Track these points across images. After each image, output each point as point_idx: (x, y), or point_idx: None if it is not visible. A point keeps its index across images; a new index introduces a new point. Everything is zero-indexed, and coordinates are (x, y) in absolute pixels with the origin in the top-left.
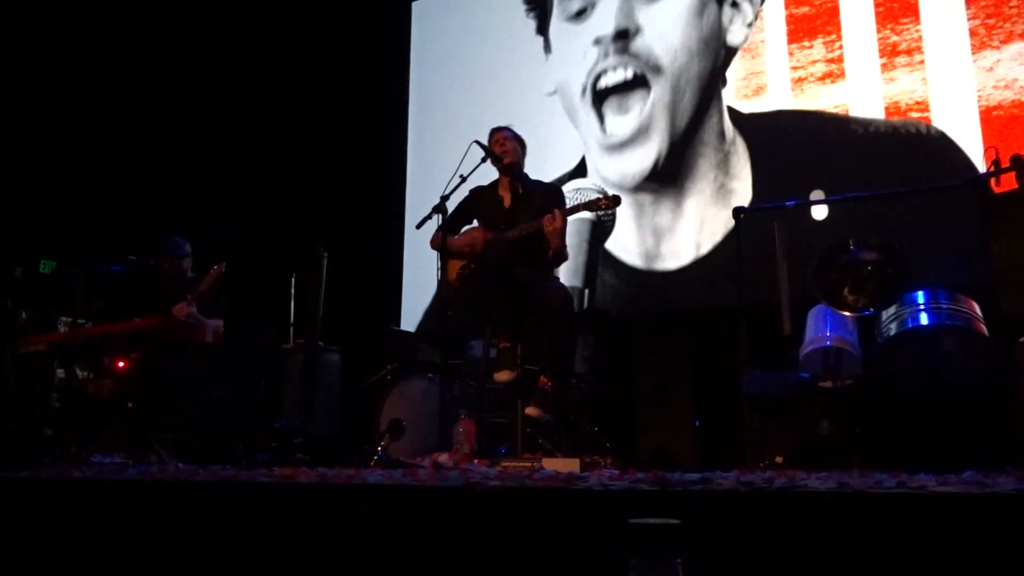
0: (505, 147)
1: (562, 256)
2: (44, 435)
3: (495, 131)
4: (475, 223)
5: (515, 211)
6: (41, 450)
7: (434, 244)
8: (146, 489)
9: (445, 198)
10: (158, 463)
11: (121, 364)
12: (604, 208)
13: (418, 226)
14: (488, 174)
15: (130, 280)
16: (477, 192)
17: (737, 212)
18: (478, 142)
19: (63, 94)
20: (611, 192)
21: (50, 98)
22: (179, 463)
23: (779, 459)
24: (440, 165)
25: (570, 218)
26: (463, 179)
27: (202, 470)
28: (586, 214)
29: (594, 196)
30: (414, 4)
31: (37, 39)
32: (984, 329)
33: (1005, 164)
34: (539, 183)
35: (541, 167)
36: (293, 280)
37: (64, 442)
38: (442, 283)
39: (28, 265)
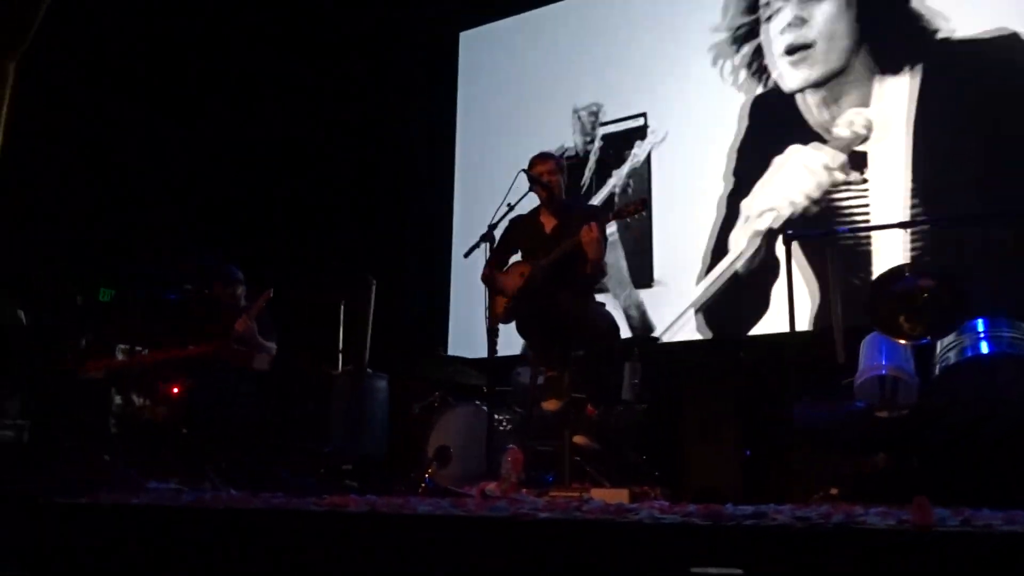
0: (552, 179)
1: (601, 270)
2: (102, 461)
3: (541, 160)
4: (519, 254)
5: (557, 236)
6: (99, 476)
7: (484, 278)
8: (200, 516)
9: (493, 227)
10: (212, 490)
11: (175, 390)
12: (633, 213)
13: (466, 255)
14: (534, 200)
15: (186, 308)
16: (517, 222)
17: (788, 238)
18: (526, 172)
19: (123, 124)
20: None
21: (109, 127)
22: (232, 490)
23: (834, 491)
24: (487, 193)
25: None
26: (510, 207)
27: (255, 498)
28: None
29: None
30: (462, 34)
31: (96, 63)
32: None
33: None
34: (579, 204)
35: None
36: (342, 307)
37: (122, 468)
38: (490, 313)
39: (88, 293)
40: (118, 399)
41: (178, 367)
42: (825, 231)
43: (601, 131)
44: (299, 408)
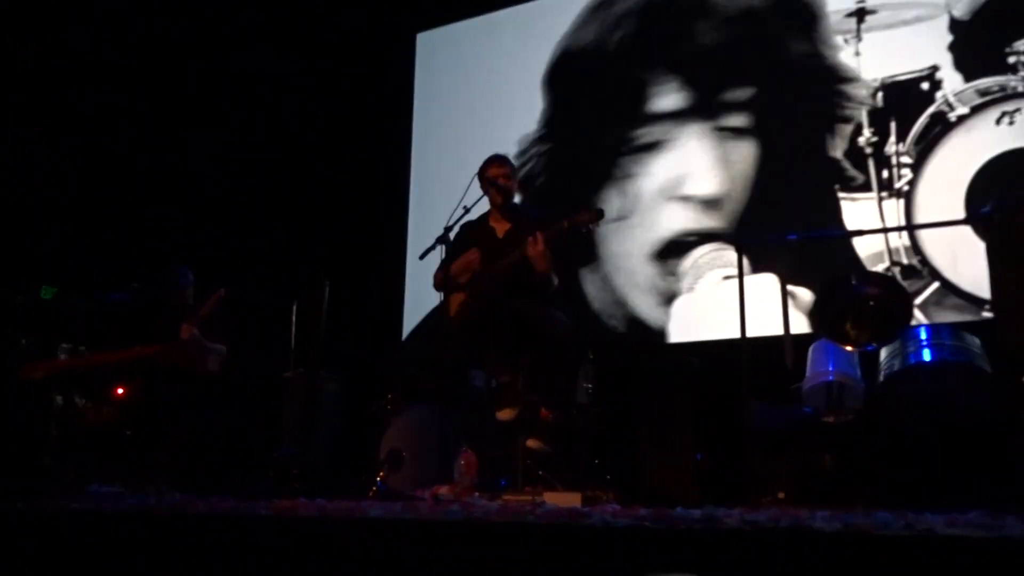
0: (507, 183)
1: (548, 282)
2: (43, 464)
3: (496, 164)
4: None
5: (509, 241)
6: (40, 480)
7: (437, 284)
8: (144, 520)
9: (448, 229)
10: (156, 493)
11: (120, 392)
12: (587, 223)
13: (421, 257)
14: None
15: (132, 308)
16: (468, 227)
17: (739, 245)
18: (480, 174)
19: (65, 120)
20: None
21: (51, 123)
22: (177, 493)
23: (781, 495)
24: (443, 194)
25: None
26: (467, 210)
27: (201, 501)
28: None
29: (576, 213)
30: (419, 36)
31: (38, 62)
32: (987, 366)
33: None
34: (530, 211)
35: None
36: (295, 308)
37: (63, 472)
38: (442, 316)
39: (29, 291)
40: (59, 400)
41: (123, 368)
42: (775, 237)
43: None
44: (249, 410)
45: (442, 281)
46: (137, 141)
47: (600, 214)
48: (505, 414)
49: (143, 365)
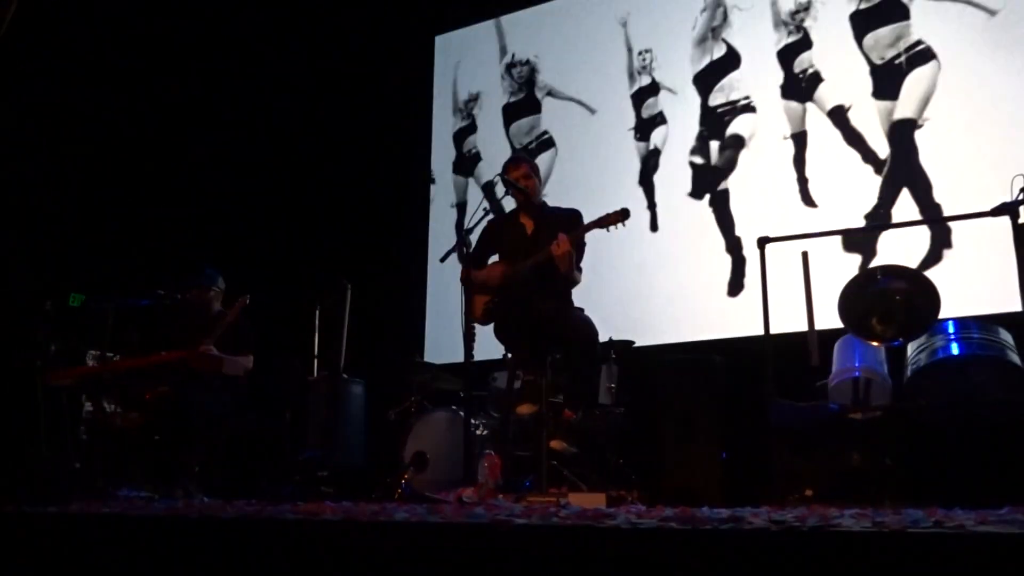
0: (528, 183)
1: (571, 280)
2: (72, 469)
3: (515, 164)
4: (497, 256)
5: (537, 238)
6: (69, 484)
7: (464, 279)
8: (173, 525)
9: (469, 231)
10: (184, 497)
11: (148, 397)
12: (614, 223)
13: (442, 259)
14: (509, 204)
15: (157, 313)
16: (496, 223)
17: (762, 241)
18: (502, 177)
19: (94, 127)
20: None
21: (80, 131)
22: (205, 498)
23: (808, 492)
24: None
25: None
26: (487, 212)
27: (228, 506)
28: None
29: (604, 213)
30: (438, 38)
31: (64, 70)
32: (1016, 359)
33: None
34: (558, 209)
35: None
36: (318, 312)
37: (92, 476)
38: (467, 316)
39: (57, 298)
40: (88, 406)
41: (150, 374)
42: (799, 234)
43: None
44: (275, 414)
45: (468, 276)
46: (164, 149)
47: (626, 214)
48: (525, 408)
49: (169, 370)
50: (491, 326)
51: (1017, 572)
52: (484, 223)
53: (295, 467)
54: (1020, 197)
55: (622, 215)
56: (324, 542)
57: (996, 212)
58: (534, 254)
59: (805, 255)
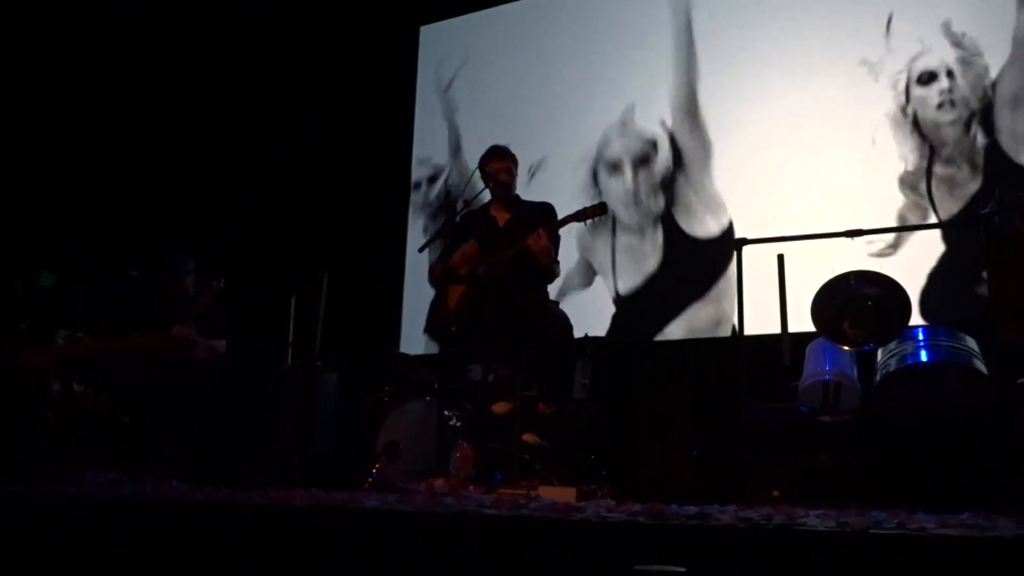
0: (509, 177)
1: (551, 274)
2: (39, 450)
3: (497, 157)
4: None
5: (510, 231)
6: (36, 466)
7: (434, 276)
8: (140, 508)
9: (447, 222)
10: (153, 481)
11: (118, 379)
12: (592, 216)
13: (420, 249)
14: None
15: (131, 295)
16: (469, 216)
17: (738, 243)
18: (482, 168)
19: (66, 106)
20: None
21: (53, 110)
22: (174, 482)
23: (776, 493)
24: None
25: None
26: (466, 204)
27: (197, 490)
28: None
29: (582, 206)
30: (422, 28)
31: (36, 49)
32: (983, 367)
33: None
34: (531, 202)
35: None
36: (293, 300)
37: (59, 458)
38: (441, 308)
39: (28, 278)
40: (57, 387)
41: (121, 356)
42: (775, 236)
43: None
44: (247, 402)
45: (440, 273)
46: (137, 129)
47: (604, 207)
48: (500, 407)
49: (141, 353)
50: (466, 318)
51: (974, 573)
52: (460, 215)
53: (267, 454)
54: (992, 207)
55: (600, 209)
56: (293, 529)
57: (969, 222)
58: (507, 247)
59: (781, 258)
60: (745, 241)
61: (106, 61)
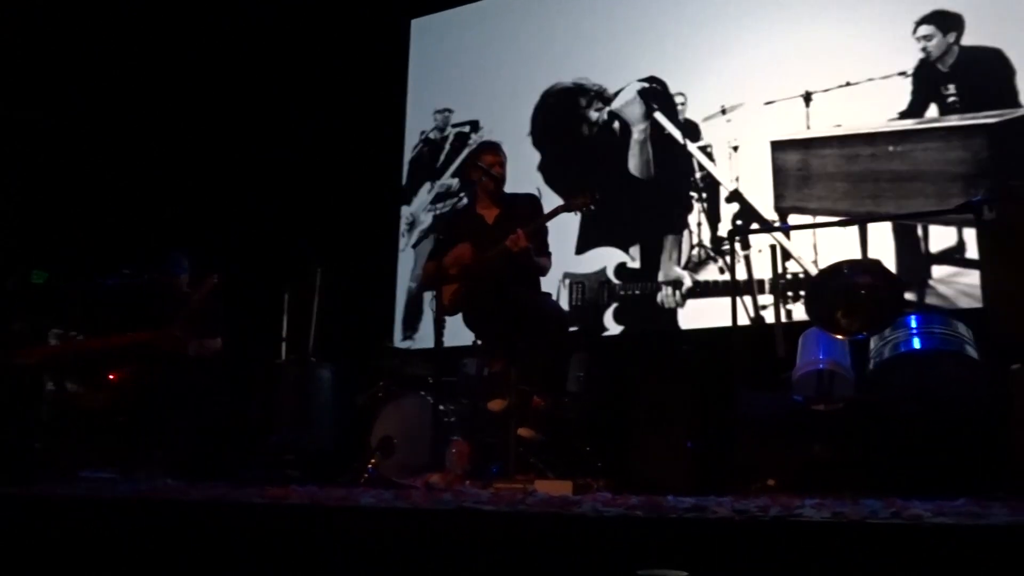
0: (501, 172)
1: (539, 269)
2: (34, 449)
3: (491, 151)
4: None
5: (499, 226)
6: (31, 465)
7: (427, 277)
8: (136, 507)
9: (440, 217)
10: (148, 479)
11: (113, 377)
12: (581, 207)
13: (414, 244)
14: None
15: (124, 293)
16: (456, 216)
17: (732, 233)
18: (475, 162)
19: (61, 104)
20: None
21: (47, 108)
22: (170, 480)
23: (771, 482)
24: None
25: None
26: (460, 199)
27: (193, 488)
28: None
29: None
30: (414, 21)
31: (32, 46)
32: (976, 354)
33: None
34: (515, 195)
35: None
36: (287, 295)
37: (54, 457)
38: (436, 303)
39: (21, 276)
40: (51, 386)
41: (115, 354)
42: (768, 227)
43: None
44: (242, 398)
45: (433, 273)
46: (129, 126)
47: (594, 197)
48: (496, 404)
49: (135, 351)
50: (460, 313)
51: (968, 561)
52: (448, 214)
53: (262, 450)
54: (985, 195)
55: (590, 198)
56: (290, 526)
57: (960, 210)
58: (496, 243)
59: (774, 248)
60: (738, 231)
61: (99, 59)
